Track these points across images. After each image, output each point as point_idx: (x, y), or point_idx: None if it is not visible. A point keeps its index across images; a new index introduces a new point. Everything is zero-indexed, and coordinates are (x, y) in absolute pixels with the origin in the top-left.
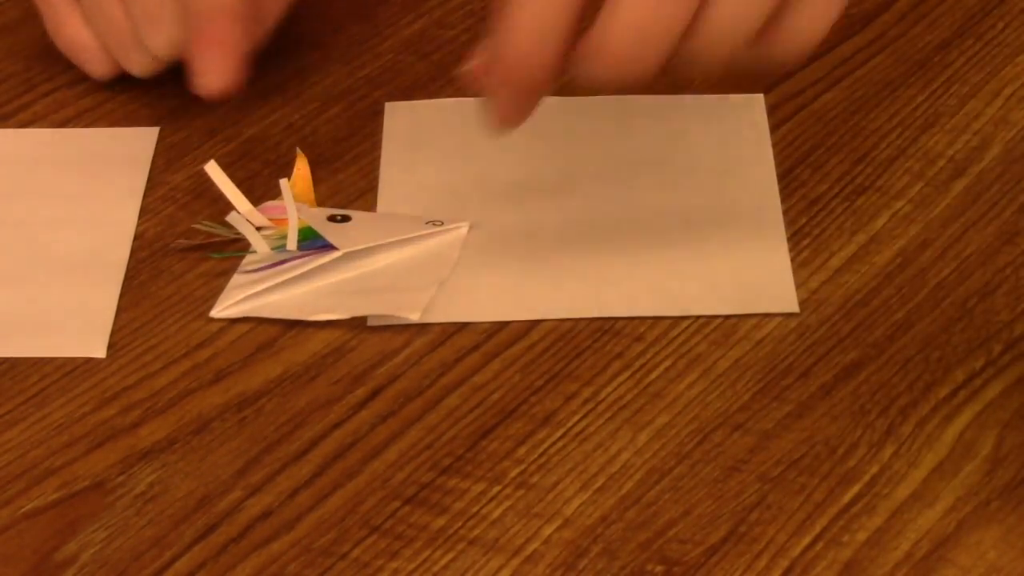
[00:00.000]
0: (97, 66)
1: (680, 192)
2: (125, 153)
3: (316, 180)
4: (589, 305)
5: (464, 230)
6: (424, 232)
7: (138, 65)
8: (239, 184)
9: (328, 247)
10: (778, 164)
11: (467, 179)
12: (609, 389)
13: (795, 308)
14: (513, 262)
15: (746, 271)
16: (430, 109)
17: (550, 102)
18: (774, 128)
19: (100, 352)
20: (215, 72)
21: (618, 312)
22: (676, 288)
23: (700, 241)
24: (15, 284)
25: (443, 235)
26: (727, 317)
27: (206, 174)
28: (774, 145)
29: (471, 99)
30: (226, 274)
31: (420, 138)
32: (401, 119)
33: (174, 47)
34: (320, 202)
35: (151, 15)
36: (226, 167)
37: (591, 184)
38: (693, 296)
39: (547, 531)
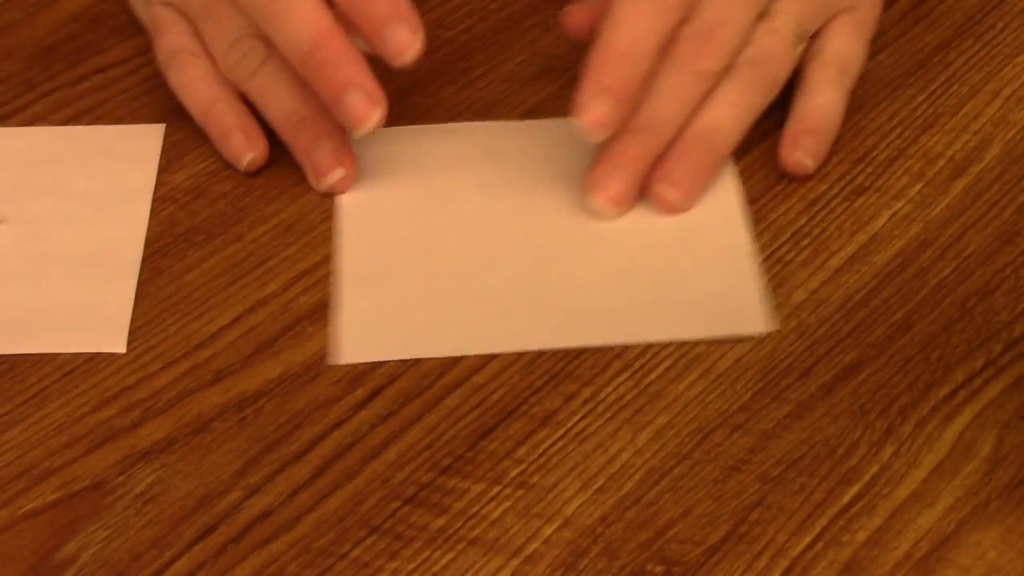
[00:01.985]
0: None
1: (643, 217)
2: (133, 150)
3: None
4: (547, 336)
5: None
6: None
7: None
8: (237, 185)
9: None
10: (779, 164)
11: (429, 203)
12: (609, 389)
13: (773, 326)
14: (473, 290)
15: (713, 294)
16: (397, 136)
17: (511, 126)
18: (775, 127)
19: (120, 347)
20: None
21: (580, 342)
22: (642, 315)
23: (666, 266)
24: (31, 281)
25: None
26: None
27: (207, 174)
28: (775, 144)
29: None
30: (224, 275)
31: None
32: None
33: None
34: (318, 203)
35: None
36: (226, 167)
37: (553, 209)
38: (660, 323)
39: (547, 531)
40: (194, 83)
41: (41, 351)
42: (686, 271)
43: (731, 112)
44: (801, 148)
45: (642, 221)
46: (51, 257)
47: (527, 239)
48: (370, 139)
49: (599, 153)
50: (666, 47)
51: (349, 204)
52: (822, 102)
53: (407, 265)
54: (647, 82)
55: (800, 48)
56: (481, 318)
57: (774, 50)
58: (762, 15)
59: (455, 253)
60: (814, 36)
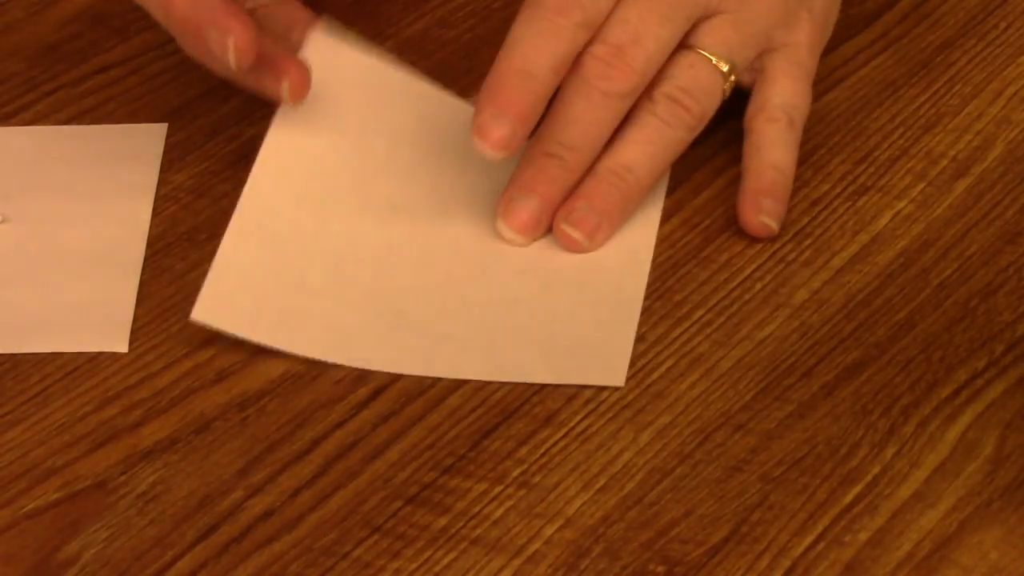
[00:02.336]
0: None
1: (549, 249)
2: (135, 149)
3: None
4: (395, 358)
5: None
6: None
7: None
8: (240, 184)
9: None
10: None
11: (353, 171)
12: (611, 389)
13: (620, 382)
14: (349, 291)
15: (580, 341)
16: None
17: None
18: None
19: (123, 347)
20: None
21: (427, 371)
22: (500, 352)
23: (549, 304)
24: (33, 281)
25: None
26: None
27: (209, 173)
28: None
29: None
30: None
31: (323, 97)
32: (320, 63)
33: None
34: None
35: None
36: (228, 167)
37: (474, 215)
38: (514, 362)
39: (549, 531)
40: None
41: (43, 351)
42: (565, 312)
43: (645, 150)
44: (764, 211)
45: (547, 252)
46: (53, 256)
47: (428, 247)
48: (349, 63)
49: (512, 177)
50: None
51: (275, 141)
52: (776, 159)
53: (299, 238)
54: (549, 103)
55: (731, 82)
56: (343, 324)
57: (699, 83)
58: (685, 44)
59: (352, 243)
60: (757, 83)
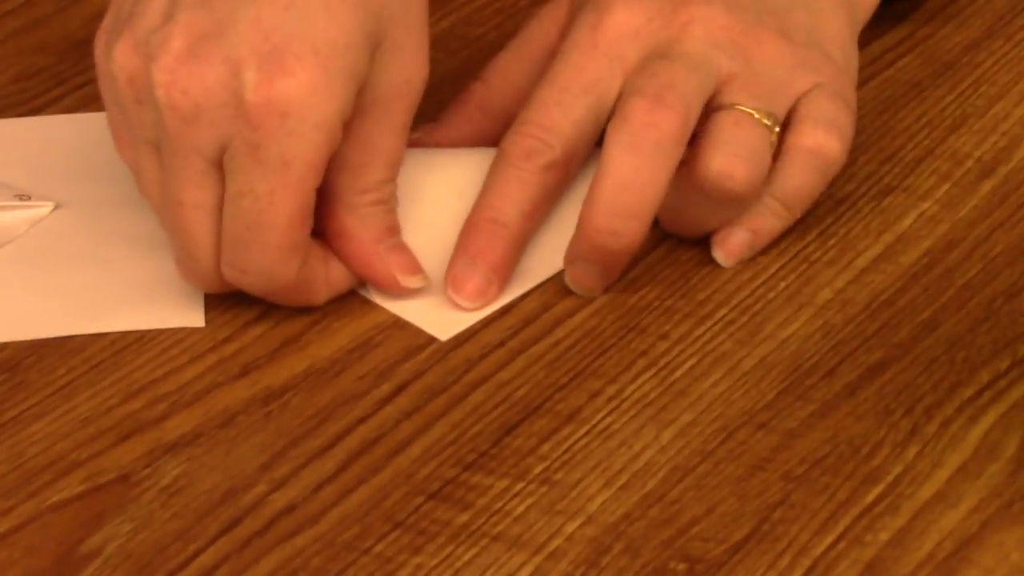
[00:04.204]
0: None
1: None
2: None
3: None
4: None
5: (45, 211)
6: (2, 204)
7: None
8: None
9: None
10: None
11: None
12: (633, 387)
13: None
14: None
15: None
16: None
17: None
18: None
19: (199, 321)
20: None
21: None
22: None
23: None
24: (98, 262)
25: (20, 211)
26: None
27: None
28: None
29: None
30: None
31: None
32: None
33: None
34: None
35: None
36: None
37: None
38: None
39: (570, 528)
40: None
41: (120, 329)
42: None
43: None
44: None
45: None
46: (115, 238)
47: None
48: None
49: (572, 251)
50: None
51: None
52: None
53: None
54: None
55: (776, 134)
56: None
57: (748, 141)
58: (715, 105)
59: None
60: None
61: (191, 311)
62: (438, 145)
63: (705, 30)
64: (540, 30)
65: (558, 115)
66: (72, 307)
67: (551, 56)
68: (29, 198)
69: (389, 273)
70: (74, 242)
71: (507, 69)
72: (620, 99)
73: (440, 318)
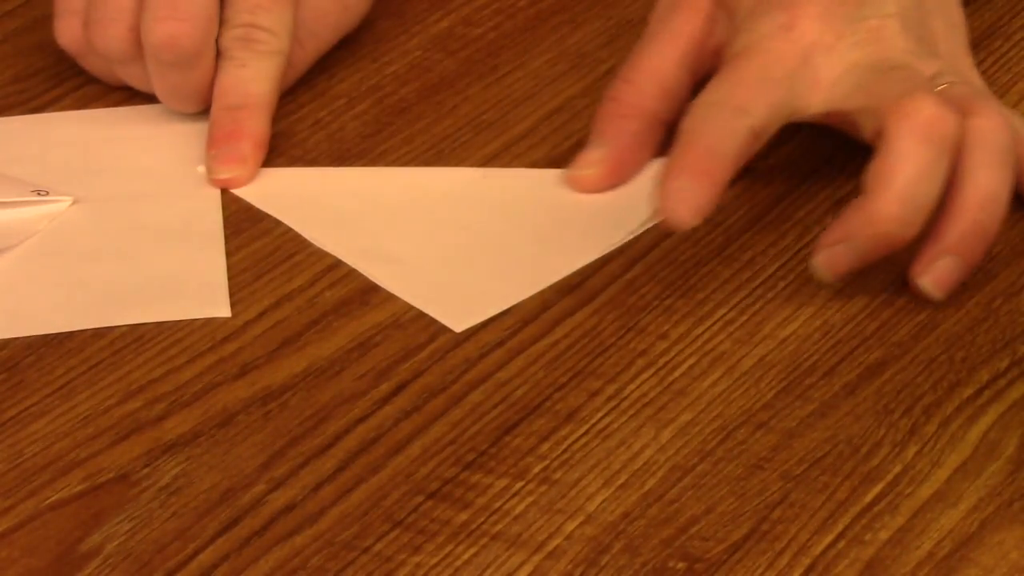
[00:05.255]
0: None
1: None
2: (185, 127)
3: None
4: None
5: (63, 205)
6: (20, 199)
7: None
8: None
9: None
10: (804, 164)
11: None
12: (633, 386)
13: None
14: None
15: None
16: None
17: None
18: (801, 126)
19: (225, 311)
20: None
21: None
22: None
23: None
24: (119, 256)
25: (38, 206)
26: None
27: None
28: (800, 144)
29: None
30: (250, 270)
31: None
32: None
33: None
34: None
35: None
36: None
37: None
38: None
39: (569, 527)
40: None
41: (146, 321)
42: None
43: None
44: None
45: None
46: (132, 232)
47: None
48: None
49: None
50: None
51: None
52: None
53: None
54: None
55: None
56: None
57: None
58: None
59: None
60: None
61: (217, 301)
62: (607, 167)
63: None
64: (684, 21)
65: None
66: (97, 300)
67: (701, 51)
68: (47, 193)
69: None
70: (94, 236)
71: (653, 67)
72: (893, 97)
73: (456, 309)
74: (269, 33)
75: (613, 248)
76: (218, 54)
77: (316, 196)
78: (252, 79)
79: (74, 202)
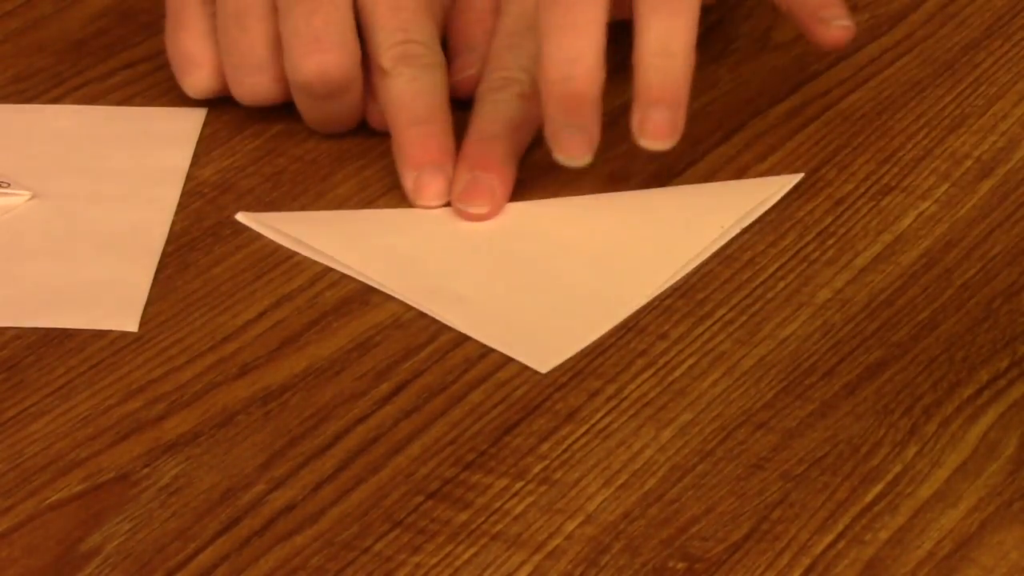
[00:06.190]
0: (201, 82)
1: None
2: (172, 132)
3: (343, 177)
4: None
5: (20, 200)
6: None
7: (251, 90)
8: (265, 180)
9: None
10: (804, 164)
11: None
12: (633, 386)
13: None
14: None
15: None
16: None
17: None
18: (801, 127)
19: (132, 326)
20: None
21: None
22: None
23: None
24: (55, 257)
25: None
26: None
27: (235, 168)
28: (800, 144)
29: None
30: (250, 270)
31: None
32: None
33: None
34: (346, 198)
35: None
36: (252, 162)
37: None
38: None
39: (569, 527)
40: None
41: (55, 326)
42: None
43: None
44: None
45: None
46: (77, 234)
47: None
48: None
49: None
50: None
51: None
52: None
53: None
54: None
55: None
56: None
57: None
58: None
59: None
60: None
61: (127, 314)
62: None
63: None
64: None
65: None
66: (21, 298)
67: None
68: (8, 186)
69: None
70: (40, 234)
71: None
72: None
73: (539, 350)
74: (425, 47)
75: (685, 273)
76: (378, 75)
77: (368, 235)
78: (429, 91)
79: (32, 197)
